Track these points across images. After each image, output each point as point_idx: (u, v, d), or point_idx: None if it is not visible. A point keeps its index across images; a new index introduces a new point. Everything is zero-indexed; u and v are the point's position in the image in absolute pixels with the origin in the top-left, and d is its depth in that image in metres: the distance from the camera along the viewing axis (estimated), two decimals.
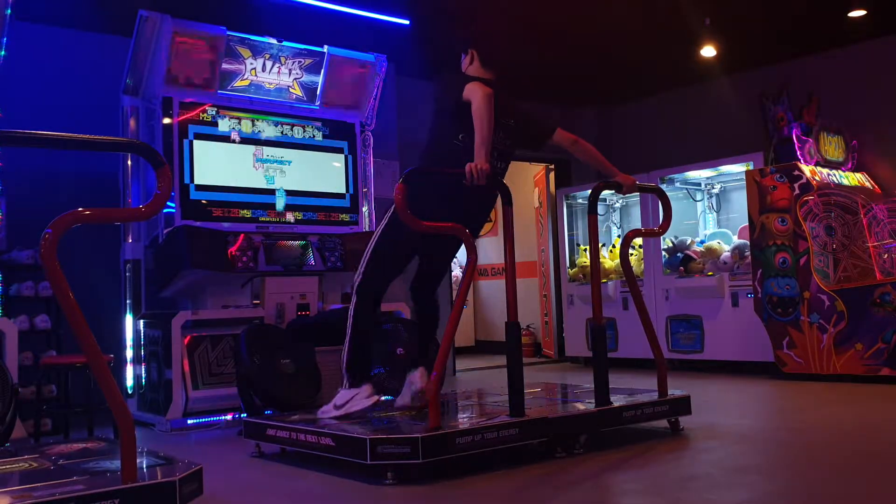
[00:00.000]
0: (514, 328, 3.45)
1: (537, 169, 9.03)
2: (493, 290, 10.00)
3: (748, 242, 6.51)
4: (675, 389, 4.11)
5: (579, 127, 4.23)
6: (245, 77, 5.50)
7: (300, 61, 5.70)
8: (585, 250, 8.16)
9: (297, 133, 5.71)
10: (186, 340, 4.84)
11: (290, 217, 5.56)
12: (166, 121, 5.15)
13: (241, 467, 3.61)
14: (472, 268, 3.42)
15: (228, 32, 5.30)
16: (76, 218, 2.45)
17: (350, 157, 5.94)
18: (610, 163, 3.99)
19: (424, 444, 3.04)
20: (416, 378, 3.77)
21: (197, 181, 5.21)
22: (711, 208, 7.79)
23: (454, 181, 3.44)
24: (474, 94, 3.52)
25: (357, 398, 3.69)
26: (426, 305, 3.99)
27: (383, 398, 4.15)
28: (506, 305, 3.49)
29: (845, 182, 6.53)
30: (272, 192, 5.53)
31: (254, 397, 4.40)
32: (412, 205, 3.26)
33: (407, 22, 6.34)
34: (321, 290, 5.35)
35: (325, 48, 5.76)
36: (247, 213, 5.38)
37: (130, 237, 5.31)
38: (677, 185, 7.68)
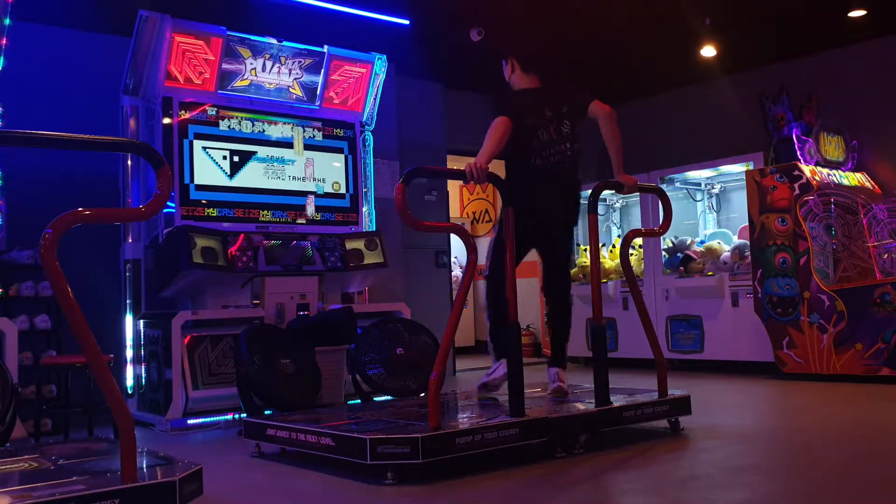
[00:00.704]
0: (514, 328, 3.45)
1: None
2: None
3: (748, 242, 6.51)
4: (675, 389, 4.10)
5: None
6: (245, 77, 5.50)
7: (300, 61, 5.70)
8: (585, 250, 8.15)
9: (297, 133, 5.70)
10: (186, 340, 4.84)
11: (301, 216, 5.58)
12: (166, 121, 5.16)
13: (241, 467, 3.60)
14: (472, 268, 3.43)
15: (228, 32, 5.31)
16: (76, 218, 2.45)
17: (350, 157, 5.95)
18: (622, 158, 4.07)
19: (424, 444, 3.04)
20: (554, 376, 4.11)
21: (197, 181, 5.21)
22: (711, 208, 7.79)
23: (537, 180, 3.94)
24: (496, 123, 3.88)
25: (502, 365, 3.98)
26: (556, 305, 4.18)
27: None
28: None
29: (845, 182, 6.53)
30: (272, 192, 5.53)
31: (254, 397, 4.40)
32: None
33: (407, 22, 6.34)
34: (321, 290, 5.35)
35: (325, 48, 5.77)
36: (247, 212, 5.39)
37: (130, 237, 5.31)
38: (677, 185, 7.68)
